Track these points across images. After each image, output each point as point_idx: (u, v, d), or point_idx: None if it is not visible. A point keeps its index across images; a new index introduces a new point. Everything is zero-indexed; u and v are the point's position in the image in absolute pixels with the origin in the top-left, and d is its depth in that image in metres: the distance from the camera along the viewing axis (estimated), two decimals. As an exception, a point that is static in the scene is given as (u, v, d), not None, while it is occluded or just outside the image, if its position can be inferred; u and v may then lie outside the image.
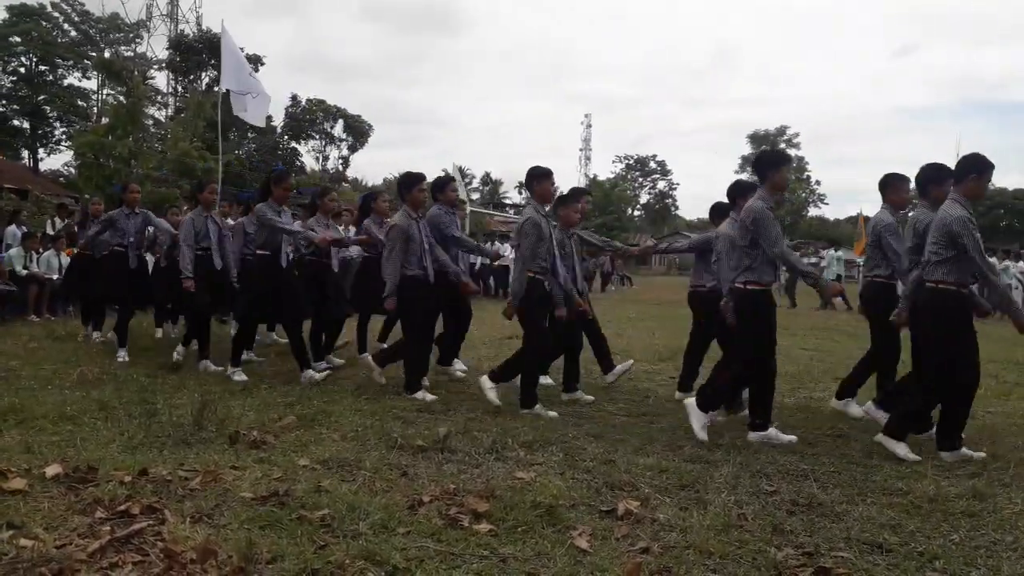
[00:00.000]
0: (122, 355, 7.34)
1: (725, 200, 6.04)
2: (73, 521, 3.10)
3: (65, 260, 11.52)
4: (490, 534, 3.13)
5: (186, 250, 7.00)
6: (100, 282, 8.10)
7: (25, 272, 10.96)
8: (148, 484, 3.56)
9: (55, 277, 11.08)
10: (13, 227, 12.42)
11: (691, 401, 5.08)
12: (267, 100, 12.60)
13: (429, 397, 5.89)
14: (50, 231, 12.65)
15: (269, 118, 45.14)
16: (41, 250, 11.55)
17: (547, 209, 5.89)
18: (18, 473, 3.59)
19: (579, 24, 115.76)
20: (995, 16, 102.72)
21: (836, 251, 21.30)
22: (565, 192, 6.44)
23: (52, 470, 3.62)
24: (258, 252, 6.64)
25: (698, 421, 4.94)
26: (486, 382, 5.77)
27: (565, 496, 3.63)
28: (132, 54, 43.39)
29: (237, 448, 4.28)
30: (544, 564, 2.89)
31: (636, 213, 72.61)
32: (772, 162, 5.16)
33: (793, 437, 4.98)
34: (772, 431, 4.94)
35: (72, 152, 33.96)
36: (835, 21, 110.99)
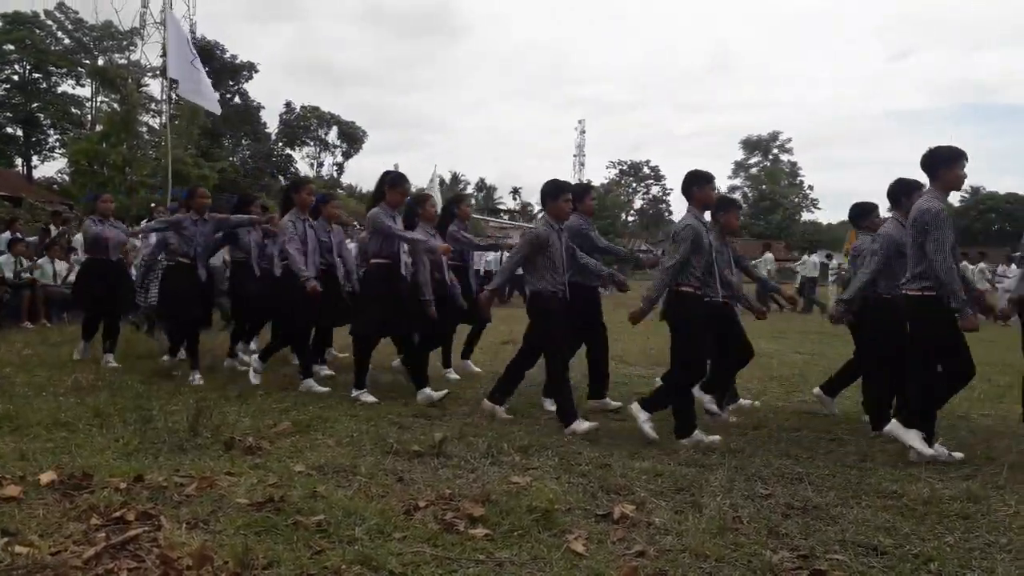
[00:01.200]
0: (196, 377, 6.63)
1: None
2: (68, 528, 3.09)
3: (60, 266, 11.52)
4: (486, 539, 3.13)
5: (295, 252, 6.31)
6: (169, 300, 7.11)
7: (18, 279, 10.93)
8: (143, 490, 3.55)
9: (50, 283, 11.09)
10: (7, 233, 12.40)
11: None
12: (213, 94, 12.67)
13: (585, 425, 5.17)
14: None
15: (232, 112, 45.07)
16: (35, 257, 11.53)
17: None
18: (13, 480, 3.58)
19: (574, 29, 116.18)
20: (990, 20, 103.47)
21: (811, 255, 21.55)
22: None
23: (47, 477, 3.61)
24: (374, 261, 6.15)
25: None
26: (640, 413, 5.09)
27: (561, 500, 3.63)
28: (126, 61, 43.27)
29: (232, 454, 4.28)
30: (540, 568, 2.90)
31: (630, 219, 72.79)
32: (946, 159, 4.76)
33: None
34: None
35: (66, 159, 33.97)
36: (830, 25, 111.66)
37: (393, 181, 6.20)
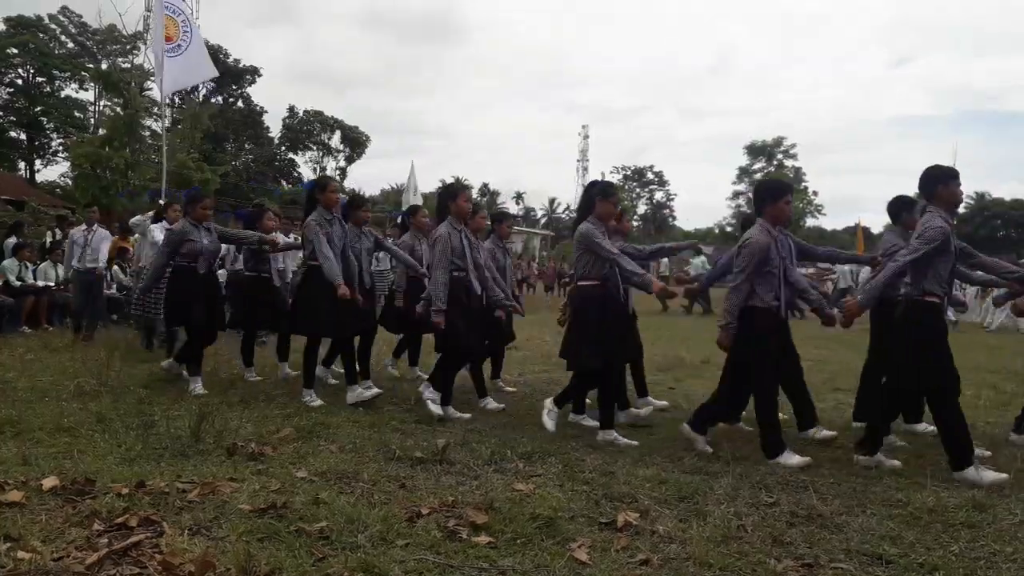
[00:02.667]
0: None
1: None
2: (70, 534, 3.08)
3: (63, 271, 11.52)
4: (489, 546, 3.12)
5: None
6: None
7: (20, 283, 10.93)
8: (146, 496, 3.54)
9: (52, 287, 11.10)
10: (13, 238, 12.42)
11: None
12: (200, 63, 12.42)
13: (796, 460, 4.68)
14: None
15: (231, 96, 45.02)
16: (38, 261, 11.54)
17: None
18: (15, 485, 3.58)
19: (576, 34, 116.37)
20: (992, 27, 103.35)
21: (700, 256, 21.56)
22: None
23: (49, 482, 3.61)
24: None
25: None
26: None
27: (564, 508, 3.62)
28: (129, 65, 43.37)
29: (235, 460, 4.27)
30: (544, 576, 2.89)
31: (634, 223, 72.76)
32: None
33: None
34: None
35: (69, 163, 34.00)
36: (832, 32, 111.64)
37: (604, 191, 5.41)
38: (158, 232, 8.20)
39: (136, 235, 10.15)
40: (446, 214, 5.90)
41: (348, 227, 6.54)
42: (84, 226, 10.11)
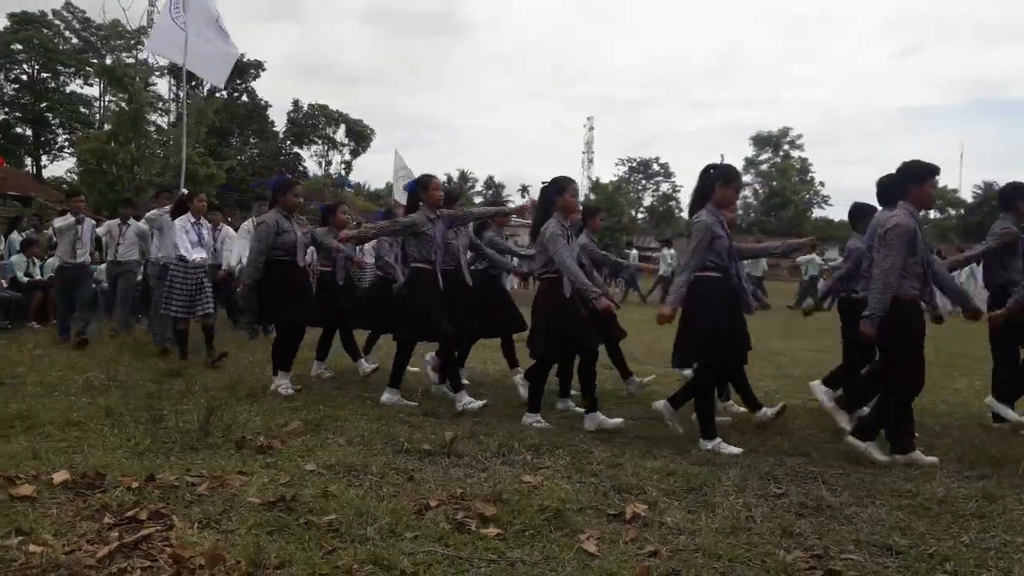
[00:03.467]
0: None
1: None
2: (81, 527, 3.09)
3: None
4: (498, 538, 3.13)
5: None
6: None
7: (27, 279, 10.96)
8: (155, 490, 3.55)
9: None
10: (15, 233, 12.45)
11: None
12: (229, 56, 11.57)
13: (927, 460, 4.60)
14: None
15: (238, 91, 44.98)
16: (46, 257, 11.56)
17: None
18: (26, 479, 3.59)
19: (580, 27, 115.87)
20: (1000, 15, 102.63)
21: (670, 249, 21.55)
22: None
23: (60, 476, 3.62)
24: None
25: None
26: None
27: (572, 500, 3.62)
28: (133, 60, 43.41)
29: (244, 453, 4.28)
30: (552, 568, 2.88)
31: (640, 215, 72.65)
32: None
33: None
34: None
35: (75, 159, 34.10)
36: (839, 22, 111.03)
37: (726, 177, 5.11)
38: (181, 226, 7.86)
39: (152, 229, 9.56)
40: (552, 209, 5.48)
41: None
42: (70, 217, 8.91)
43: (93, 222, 9.42)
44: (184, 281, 7.76)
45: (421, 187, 6.06)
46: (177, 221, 7.88)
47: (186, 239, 7.81)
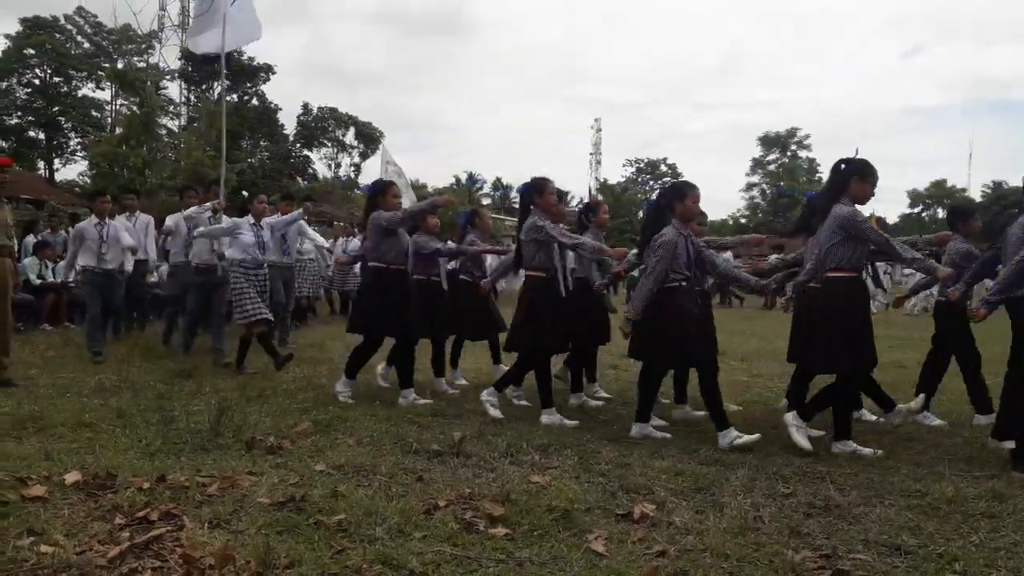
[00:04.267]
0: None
1: None
2: (93, 527, 3.12)
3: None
4: (506, 538, 3.14)
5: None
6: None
7: (40, 282, 11.04)
8: (166, 490, 3.58)
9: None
10: (30, 236, 12.53)
11: None
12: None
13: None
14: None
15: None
16: (58, 259, 11.64)
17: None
18: (38, 480, 3.62)
19: (587, 29, 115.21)
20: (1004, 14, 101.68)
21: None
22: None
23: (71, 477, 3.65)
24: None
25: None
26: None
27: (580, 500, 3.63)
28: (145, 65, 43.65)
29: (254, 454, 4.30)
30: (560, 568, 2.89)
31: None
32: (859, 171, 4.85)
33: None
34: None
35: (87, 162, 34.31)
36: (843, 23, 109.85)
37: (862, 171, 4.89)
38: (247, 229, 7.36)
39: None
40: (670, 217, 5.21)
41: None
42: (95, 218, 8.41)
43: (121, 223, 8.67)
44: (251, 284, 7.28)
45: (536, 191, 5.64)
46: (240, 222, 7.44)
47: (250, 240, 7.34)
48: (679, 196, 5.17)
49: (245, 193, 9.60)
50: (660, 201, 5.40)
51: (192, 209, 8.42)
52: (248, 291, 7.23)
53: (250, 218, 7.51)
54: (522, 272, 5.69)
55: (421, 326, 6.30)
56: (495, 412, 5.56)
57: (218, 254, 8.15)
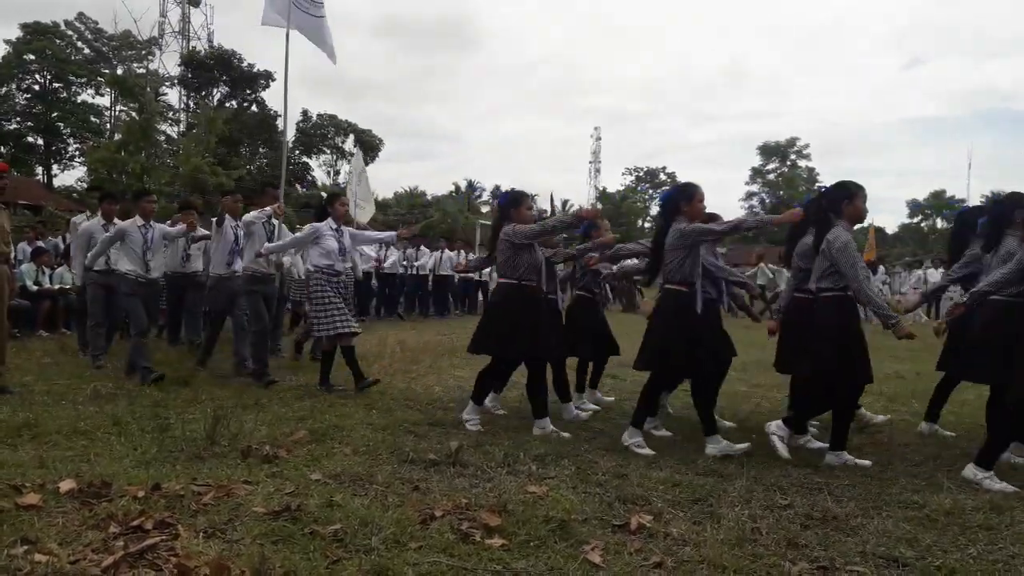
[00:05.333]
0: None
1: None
2: (87, 536, 3.10)
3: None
4: (502, 549, 3.12)
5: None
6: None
7: (36, 288, 11.02)
8: (161, 499, 3.56)
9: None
10: (24, 243, 12.51)
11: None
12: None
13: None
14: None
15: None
16: (55, 266, 11.63)
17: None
18: (32, 488, 3.61)
19: (588, 42, 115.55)
20: (1005, 27, 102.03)
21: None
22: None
23: (66, 485, 3.63)
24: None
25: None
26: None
27: (577, 510, 3.62)
28: (144, 71, 43.75)
29: (249, 463, 4.29)
30: (557, 579, 2.88)
31: (647, 225, 72.59)
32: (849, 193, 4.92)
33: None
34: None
35: (85, 168, 34.35)
36: (844, 36, 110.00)
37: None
38: (329, 233, 6.91)
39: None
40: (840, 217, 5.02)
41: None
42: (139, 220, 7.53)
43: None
44: (336, 292, 6.81)
45: (686, 198, 5.12)
46: (321, 227, 6.93)
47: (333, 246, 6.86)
48: (848, 196, 4.97)
49: (324, 193, 9.01)
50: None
51: (253, 214, 7.48)
52: (334, 300, 6.73)
53: (331, 222, 6.95)
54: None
55: (556, 347, 5.80)
56: (736, 447, 4.96)
57: (276, 264, 7.71)
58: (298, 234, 7.39)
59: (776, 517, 3.68)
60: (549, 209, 34.12)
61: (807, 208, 5.16)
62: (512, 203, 5.57)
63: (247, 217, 7.55)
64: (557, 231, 5.71)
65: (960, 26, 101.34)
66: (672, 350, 4.97)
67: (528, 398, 5.55)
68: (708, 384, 5.28)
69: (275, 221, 7.69)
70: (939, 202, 58.41)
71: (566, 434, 5.32)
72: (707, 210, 5.24)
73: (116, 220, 8.18)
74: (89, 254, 7.86)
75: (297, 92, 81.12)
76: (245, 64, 45.09)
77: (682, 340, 4.95)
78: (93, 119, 46.64)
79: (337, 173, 55.77)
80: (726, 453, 4.85)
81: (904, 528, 3.56)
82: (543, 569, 2.96)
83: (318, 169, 54.54)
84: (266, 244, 7.35)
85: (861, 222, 5.11)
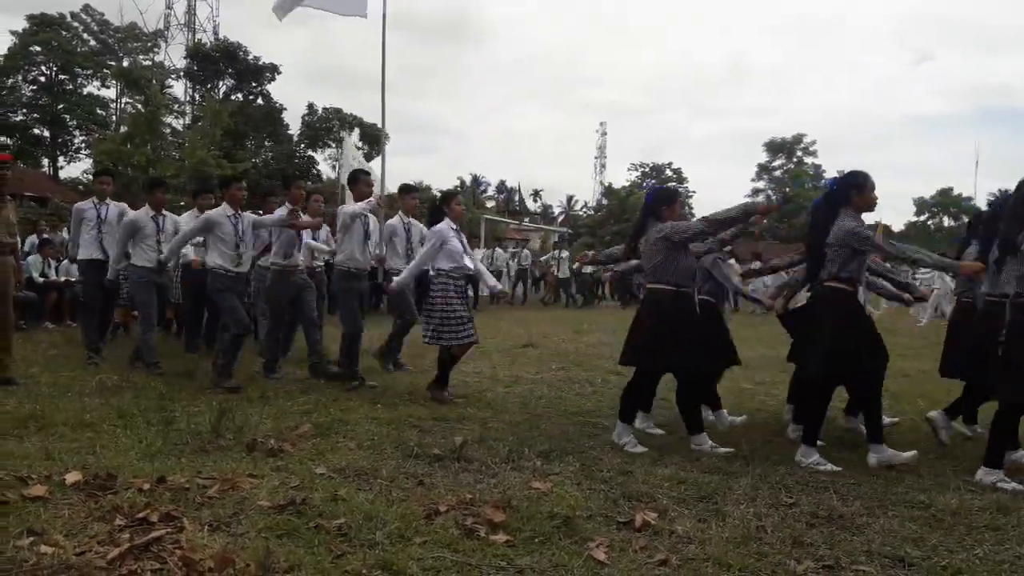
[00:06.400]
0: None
1: None
2: (93, 528, 3.11)
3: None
4: (507, 545, 3.12)
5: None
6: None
7: (43, 280, 11.04)
8: (166, 492, 3.57)
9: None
10: (34, 236, 12.56)
11: None
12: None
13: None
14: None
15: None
16: (61, 257, 11.65)
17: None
18: (38, 480, 3.62)
19: (592, 36, 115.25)
20: (1013, 22, 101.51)
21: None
22: None
23: (72, 477, 3.65)
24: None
25: None
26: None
27: (582, 507, 3.61)
28: (150, 63, 43.82)
29: (254, 456, 4.29)
30: (562, 576, 2.88)
31: (652, 221, 72.53)
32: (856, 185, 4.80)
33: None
34: None
35: (91, 160, 34.40)
36: (848, 31, 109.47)
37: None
38: (452, 234, 6.35)
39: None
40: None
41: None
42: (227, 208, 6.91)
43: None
44: (460, 297, 6.35)
45: (857, 188, 4.82)
46: (444, 229, 6.33)
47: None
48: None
49: (439, 193, 8.23)
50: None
51: (358, 206, 6.89)
52: (460, 309, 6.24)
53: (451, 223, 6.43)
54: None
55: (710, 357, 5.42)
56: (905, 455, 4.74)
57: (378, 258, 7.43)
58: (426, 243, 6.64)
59: (782, 515, 3.67)
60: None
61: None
62: (665, 200, 5.16)
63: (348, 209, 6.92)
64: (724, 227, 5.19)
65: (967, 21, 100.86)
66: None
67: (680, 413, 5.18)
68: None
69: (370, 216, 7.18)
70: (946, 199, 58.28)
71: (724, 449, 4.90)
72: (716, 206, 5.22)
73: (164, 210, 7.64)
74: (167, 248, 7.16)
75: (302, 85, 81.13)
76: (251, 57, 45.08)
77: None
78: (99, 111, 46.68)
79: (342, 167, 55.82)
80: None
81: (910, 527, 3.55)
82: (547, 566, 2.96)
83: (324, 163, 54.57)
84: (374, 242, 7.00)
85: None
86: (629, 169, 78.71)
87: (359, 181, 6.82)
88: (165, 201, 7.76)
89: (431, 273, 6.37)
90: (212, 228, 6.65)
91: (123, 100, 41.76)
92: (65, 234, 13.17)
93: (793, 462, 4.66)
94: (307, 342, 7.34)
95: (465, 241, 6.49)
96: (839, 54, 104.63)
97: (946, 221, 58.07)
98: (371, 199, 6.98)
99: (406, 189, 8.30)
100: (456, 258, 6.27)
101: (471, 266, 6.45)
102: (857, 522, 3.60)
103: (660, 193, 5.32)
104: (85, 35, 47.57)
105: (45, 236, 12.41)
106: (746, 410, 6.33)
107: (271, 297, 7.35)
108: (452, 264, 6.25)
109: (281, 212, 7.23)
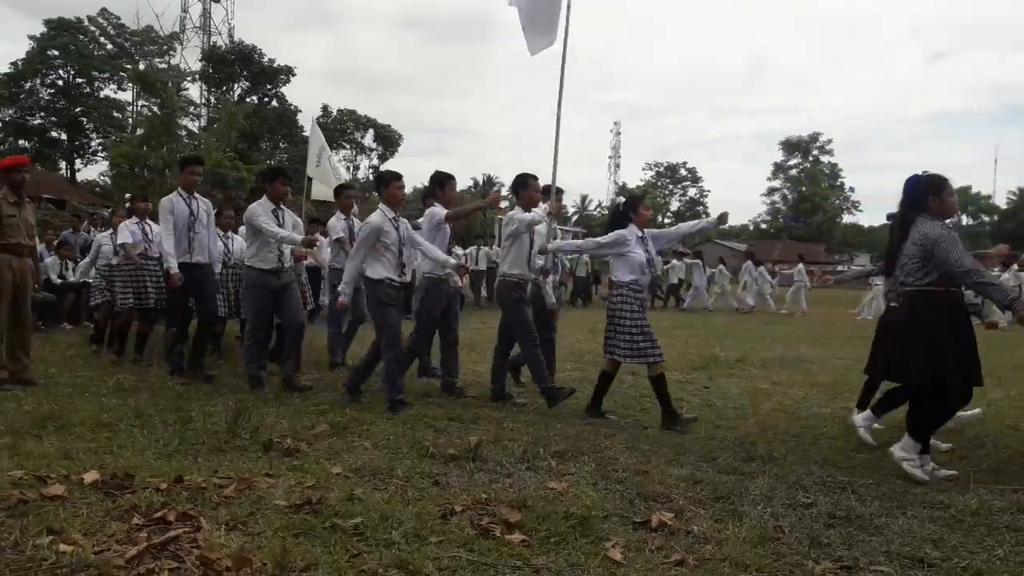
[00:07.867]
0: None
1: None
2: (111, 527, 3.13)
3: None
4: (523, 544, 3.11)
5: None
6: None
7: (60, 281, 11.13)
8: (184, 491, 3.58)
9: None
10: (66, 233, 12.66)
11: None
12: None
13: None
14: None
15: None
16: (78, 259, 11.74)
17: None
18: (57, 479, 3.64)
19: (608, 37, 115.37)
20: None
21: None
22: None
23: (90, 476, 3.67)
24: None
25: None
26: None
27: (598, 507, 3.60)
28: (166, 66, 44.13)
29: (271, 456, 4.31)
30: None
31: (667, 220, 72.36)
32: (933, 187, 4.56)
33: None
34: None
35: (108, 162, 34.67)
36: (867, 29, 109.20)
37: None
38: (635, 242, 5.86)
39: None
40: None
41: None
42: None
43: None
44: (644, 312, 5.91)
45: (934, 191, 4.57)
46: (627, 235, 5.85)
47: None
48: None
49: (622, 199, 6.92)
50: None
51: (537, 213, 6.30)
52: (645, 324, 5.77)
53: (636, 230, 5.91)
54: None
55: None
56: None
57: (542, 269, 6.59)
58: (601, 238, 6.21)
59: (799, 515, 3.65)
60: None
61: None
62: (933, 189, 4.56)
63: (526, 216, 6.25)
64: None
65: (986, 20, 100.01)
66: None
67: (909, 432, 4.55)
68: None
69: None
70: (965, 198, 57.77)
71: (947, 472, 4.51)
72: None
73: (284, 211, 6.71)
74: (352, 260, 6.14)
75: (317, 87, 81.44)
76: (266, 59, 45.35)
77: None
78: (116, 114, 47.13)
79: (357, 168, 56.00)
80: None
81: (929, 528, 3.52)
82: (563, 565, 2.95)
83: (338, 164, 54.83)
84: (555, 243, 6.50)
85: (951, 216, 4.68)
86: (644, 169, 78.59)
87: (528, 186, 6.22)
88: (286, 192, 6.82)
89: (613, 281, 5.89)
90: (379, 235, 5.96)
91: (139, 103, 42.09)
92: (86, 234, 13.29)
93: (810, 462, 4.63)
94: (442, 358, 6.82)
95: (652, 250, 5.99)
96: (857, 53, 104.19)
97: (965, 219, 57.51)
98: (545, 206, 6.45)
99: (635, 200, 6.98)
100: (637, 269, 5.79)
101: (648, 279, 6.00)
102: (875, 522, 3.57)
103: (927, 181, 4.66)
104: (102, 39, 48.07)
105: (65, 236, 12.49)
106: (763, 410, 6.29)
107: (425, 308, 6.62)
108: (632, 276, 5.78)
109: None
